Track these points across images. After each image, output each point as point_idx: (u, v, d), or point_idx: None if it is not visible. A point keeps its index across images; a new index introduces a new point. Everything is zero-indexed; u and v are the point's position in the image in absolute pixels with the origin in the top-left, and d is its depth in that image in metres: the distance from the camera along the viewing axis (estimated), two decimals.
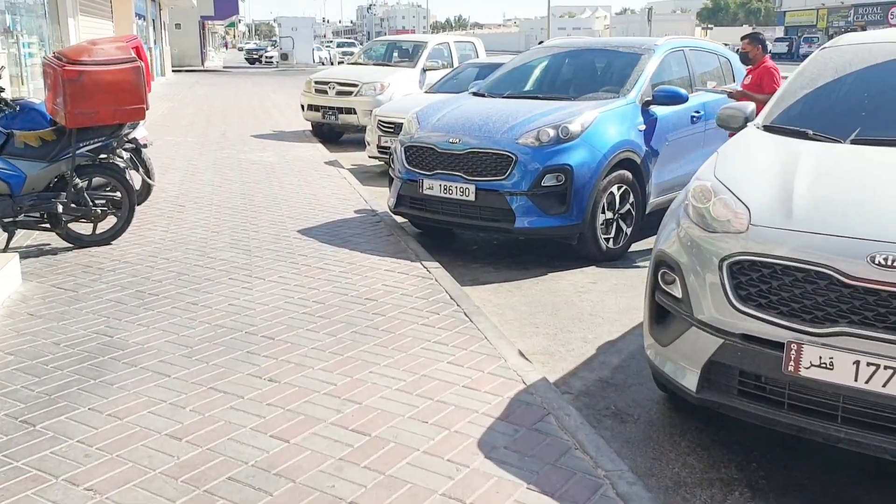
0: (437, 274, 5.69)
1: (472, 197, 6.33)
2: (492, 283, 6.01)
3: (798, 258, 2.96)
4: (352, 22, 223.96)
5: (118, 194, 6.54)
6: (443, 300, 5.09)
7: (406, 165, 6.80)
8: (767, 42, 7.90)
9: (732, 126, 4.45)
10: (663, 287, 3.50)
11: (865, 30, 49.40)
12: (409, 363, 4.07)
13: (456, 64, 14.40)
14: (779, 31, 70.18)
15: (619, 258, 6.69)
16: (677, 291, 3.39)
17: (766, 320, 3.02)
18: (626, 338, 4.90)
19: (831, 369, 2.86)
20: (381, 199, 8.36)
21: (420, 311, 4.88)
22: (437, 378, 3.88)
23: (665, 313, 3.51)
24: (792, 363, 2.92)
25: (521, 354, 4.27)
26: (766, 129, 4.09)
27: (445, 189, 6.46)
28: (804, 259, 2.94)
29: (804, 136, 3.85)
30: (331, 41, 79.00)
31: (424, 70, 14.31)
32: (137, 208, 7.02)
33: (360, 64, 16.02)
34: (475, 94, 7.79)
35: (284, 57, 53.15)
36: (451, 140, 6.50)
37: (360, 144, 12.19)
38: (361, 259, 6.05)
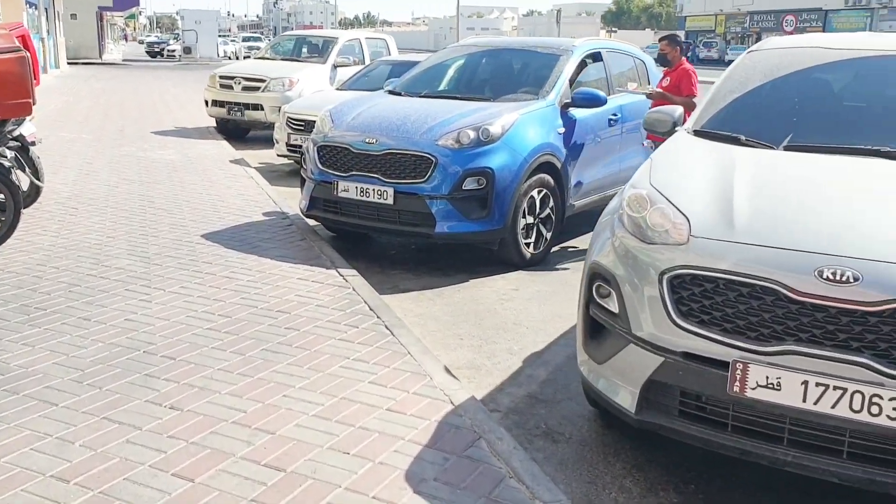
0: (354, 282, 5.39)
1: (390, 200, 6.05)
2: (412, 291, 5.75)
3: (742, 272, 2.81)
4: (258, 16, 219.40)
5: (1, 196, 5.97)
6: (361, 311, 4.79)
7: (319, 166, 6.46)
8: (685, 44, 7.87)
9: (659, 130, 4.32)
10: (598, 301, 3.31)
11: (760, 36, 51.11)
12: (327, 384, 3.76)
13: (367, 61, 14.08)
14: (682, 35, 72.43)
15: (539, 263, 6.54)
16: (613, 306, 3.20)
17: (709, 338, 2.86)
18: (552, 349, 4.72)
19: (778, 390, 2.72)
20: (291, 199, 7.98)
21: (337, 324, 4.57)
22: (359, 401, 3.59)
23: (600, 328, 3.32)
24: (737, 383, 2.77)
25: (448, 371, 4.02)
26: (697, 133, 3.97)
27: (362, 191, 6.16)
28: (749, 273, 2.79)
29: (736, 141, 3.75)
30: (236, 35, 77.05)
31: (335, 66, 13.94)
32: (24, 211, 6.45)
33: (268, 59, 15.50)
34: (391, 92, 7.50)
35: (187, 51, 51.52)
36: (367, 140, 6.20)
37: (268, 142, 11.71)
38: (272, 267, 5.68)
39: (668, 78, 7.47)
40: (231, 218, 7.23)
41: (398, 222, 6.12)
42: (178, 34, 68.99)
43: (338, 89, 11.86)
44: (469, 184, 5.96)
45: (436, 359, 4.19)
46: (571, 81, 7.07)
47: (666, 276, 2.98)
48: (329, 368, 3.94)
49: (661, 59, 7.67)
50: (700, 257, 2.93)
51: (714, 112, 4.11)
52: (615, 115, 7.54)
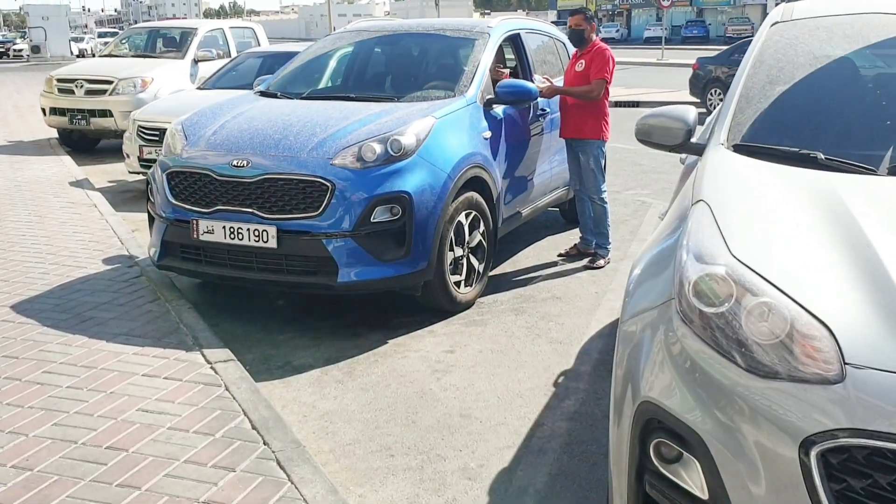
0: (227, 374, 3.77)
1: (272, 243, 4.45)
2: (312, 370, 4.19)
3: None
4: (116, 10, 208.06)
5: None
6: (240, 434, 3.21)
7: (171, 200, 4.78)
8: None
9: (667, 144, 2.94)
10: (660, 469, 1.89)
11: (630, 13, 51.42)
12: None
13: (234, 53, 12.25)
14: (552, 16, 72.59)
15: (472, 304, 5.10)
16: (694, 482, 1.79)
17: None
18: (524, 458, 3.29)
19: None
20: (143, 233, 6.20)
21: (203, 466, 2.97)
22: None
23: None
24: None
25: None
26: (739, 150, 2.60)
27: (233, 233, 4.53)
28: None
29: (814, 162, 2.40)
30: (93, 32, 71.96)
31: (196, 61, 12.16)
32: None
33: (116, 56, 13.38)
34: (263, 93, 5.86)
35: (36, 49, 47.24)
36: (234, 162, 4.57)
37: (122, 152, 9.77)
38: (106, 357, 3.98)
39: (583, 61, 5.93)
40: (59, 272, 5.42)
41: (285, 272, 4.53)
42: (24, 32, 63.58)
43: (199, 88, 10.07)
44: (380, 215, 4.45)
45: None
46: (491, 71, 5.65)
47: (816, 450, 1.58)
48: None
49: (576, 38, 6.06)
50: (874, 412, 1.56)
51: (753, 116, 2.75)
52: (544, 109, 6.18)
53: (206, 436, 3.18)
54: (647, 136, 3.02)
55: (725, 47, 20.54)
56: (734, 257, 1.91)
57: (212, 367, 3.84)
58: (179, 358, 3.96)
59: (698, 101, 16.48)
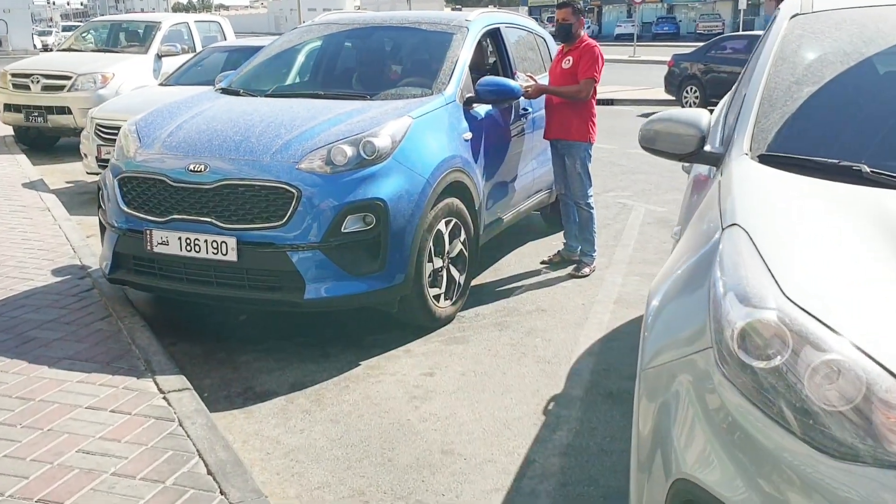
0: (181, 406, 3.37)
1: (232, 255, 4.05)
2: (276, 397, 3.80)
3: None
4: (83, 4, 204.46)
5: None
6: (193, 482, 2.81)
7: (123, 208, 4.36)
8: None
9: (676, 152, 2.60)
10: None
11: (601, 10, 51.25)
12: None
13: (199, 48, 11.77)
14: (523, 12, 72.37)
15: (453, 319, 4.75)
16: None
17: None
18: (515, 503, 2.94)
19: None
20: (98, 240, 5.75)
21: None
22: None
23: None
24: None
25: None
26: (766, 160, 2.26)
27: (189, 244, 4.13)
28: None
29: (858, 176, 2.07)
30: (59, 25, 70.42)
31: (160, 56, 11.70)
32: None
33: (76, 50, 12.79)
34: (225, 91, 5.43)
35: None
36: (191, 167, 4.16)
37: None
38: (46, 387, 3.55)
39: (570, 58, 5.52)
40: (2, 284, 4.96)
41: (247, 287, 4.14)
42: None
43: (161, 84, 9.61)
44: (352, 224, 4.07)
45: None
46: (472, 68, 5.29)
47: None
48: None
49: (563, 33, 5.60)
50: None
51: (779, 121, 2.41)
52: (526, 107, 5.83)
53: (156, 483, 2.79)
54: (653, 144, 2.66)
55: (697, 44, 20.36)
56: (788, 299, 1.56)
57: (164, 398, 3.43)
58: (129, 386, 3.55)
59: (674, 98, 16.26)
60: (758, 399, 1.51)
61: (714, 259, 1.82)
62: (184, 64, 9.90)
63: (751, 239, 1.77)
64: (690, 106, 15.60)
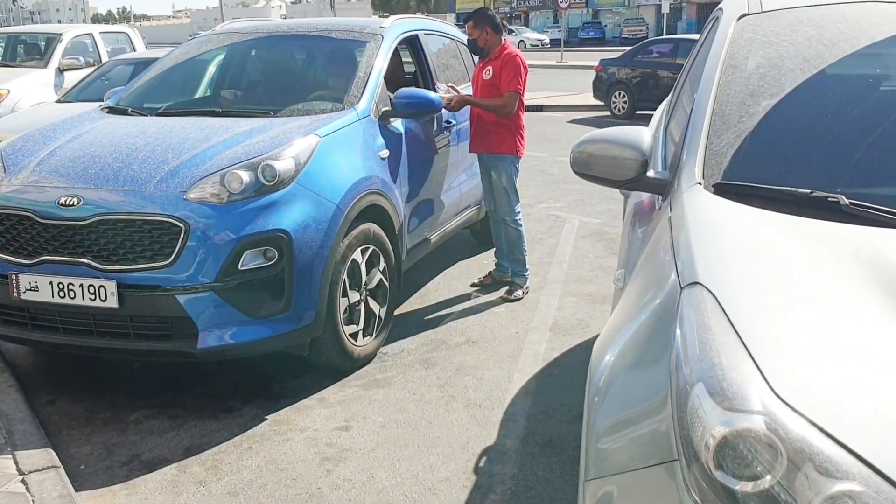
0: (41, 490, 2.82)
1: (113, 301, 3.50)
2: (166, 465, 3.26)
3: None
4: None
5: None
6: None
7: None
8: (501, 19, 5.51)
9: (614, 179, 2.19)
10: None
11: (528, 16, 51.60)
12: None
13: (106, 60, 11.06)
14: (451, 19, 72.38)
15: (373, 357, 4.28)
16: None
17: None
18: None
19: None
20: None
21: None
22: None
23: None
24: None
25: None
26: (723, 191, 1.87)
27: (62, 290, 3.56)
28: None
29: (833, 209, 1.69)
30: None
31: (61, 70, 10.94)
32: None
33: None
34: (112, 109, 4.86)
35: None
36: (62, 200, 3.60)
37: None
38: None
39: (490, 68, 5.12)
40: None
41: (132, 336, 3.59)
42: None
43: (59, 101, 8.88)
44: (251, 260, 3.56)
45: None
46: (389, 80, 4.84)
47: None
48: None
49: (472, 47, 5.33)
50: None
51: (735, 141, 2.01)
52: (449, 119, 5.40)
53: None
54: (586, 169, 2.25)
55: (623, 48, 20.30)
56: (778, 398, 1.15)
57: (23, 481, 2.88)
58: None
59: (602, 104, 16.10)
60: None
61: (673, 328, 1.40)
62: (84, 78, 9.22)
63: (719, 305, 1.36)
64: (619, 111, 15.45)
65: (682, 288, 1.47)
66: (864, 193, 1.75)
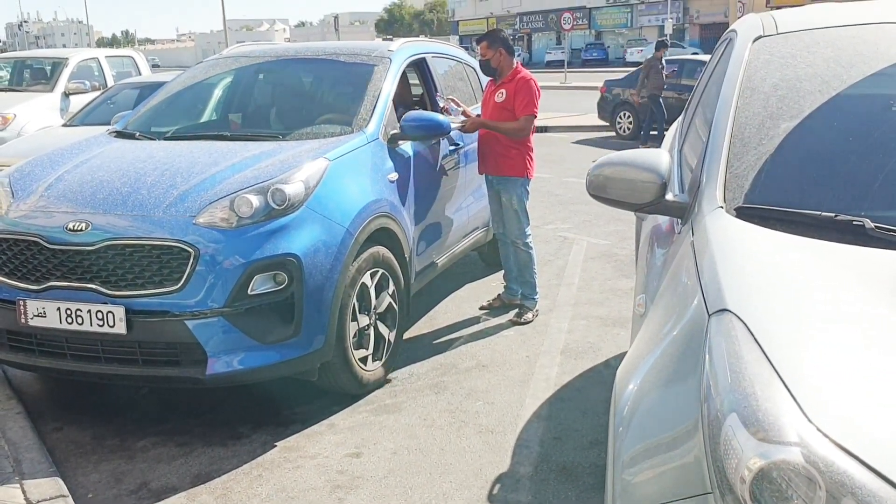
0: None
1: (121, 328, 3.47)
2: (175, 494, 3.22)
3: None
4: (2, 42, 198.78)
5: None
6: None
7: None
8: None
9: (632, 202, 2.16)
10: None
11: (531, 38, 51.90)
12: None
13: (111, 84, 11.11)
14: (454, 41, 72.79)
15: (384, 383, 4.24)
16: None
17: None
18: None
19: None
20: None
21: None
22: None
23: None
24: None
25: None
26: (745, 214, 1.84)
27: (70, 316, 3.53)
28: None
29: (859, 233, 1.65)
30: None
31: (67, 94, 11.03)
32: None
33: None
34: (120, 133, 4.86)
35: None
36: (70, 226, 3.58)
37: None
38: None
39: (503, 91, 5.09)
40: None
41: (140, 363, 3.55)
42: None
43: (64, 125, 8.91)
44: (260, 285, 3.53)
45: None
46: (397, 102, 4.83)
47: None
48: None
49: (485, 68, 5.27)
50: None
51: (756, 163, 1.99)
52: (457, 141, 5.39)
53: None
54: (603, 192, 2.22)
55: (626, 69, 20.34)
56: (816, 428, 1.11)
57: None
58: None
59: (608, 124, 16.12)
60: None
61: (702, 356, 1.36)
62: (90, 102, 9.26)
63: (750, 333, 1.33)
64: (625, 131, 15.46)
65: (709, 315, 1.44)
66: (888, 216, 1.72)
